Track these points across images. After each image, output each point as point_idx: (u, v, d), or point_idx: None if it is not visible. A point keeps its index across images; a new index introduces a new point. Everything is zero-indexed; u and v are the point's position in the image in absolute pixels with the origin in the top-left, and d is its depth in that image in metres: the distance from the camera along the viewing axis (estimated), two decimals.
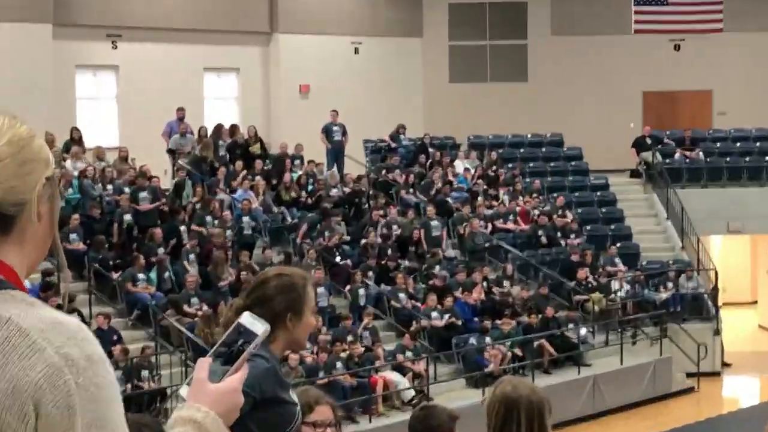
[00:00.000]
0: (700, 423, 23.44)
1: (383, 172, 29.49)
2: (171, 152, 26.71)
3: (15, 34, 25.73)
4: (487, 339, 23.42)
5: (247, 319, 2.56)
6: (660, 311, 26.88)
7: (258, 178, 26.37)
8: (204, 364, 2.41)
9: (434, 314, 23.57)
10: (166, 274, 22.38)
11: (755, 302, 35.32)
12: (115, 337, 20.20)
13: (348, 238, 25.66)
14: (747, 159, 31.43)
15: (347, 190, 27.77)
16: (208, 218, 24.15)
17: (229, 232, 24.22)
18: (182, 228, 23.66)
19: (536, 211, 28.75)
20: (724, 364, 27.85)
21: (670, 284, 27.72)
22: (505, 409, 4.89)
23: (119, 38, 27.73)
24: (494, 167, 30.51)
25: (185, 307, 21.40)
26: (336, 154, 29.07)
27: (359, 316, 23.24)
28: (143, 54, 28.19)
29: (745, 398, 26.89)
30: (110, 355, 19.05)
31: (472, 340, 23.41)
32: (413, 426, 6.01)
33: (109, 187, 24.38)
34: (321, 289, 22.92)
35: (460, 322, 23.64)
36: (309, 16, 30.84)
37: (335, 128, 29.08)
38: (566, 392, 22.87)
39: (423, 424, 6.01)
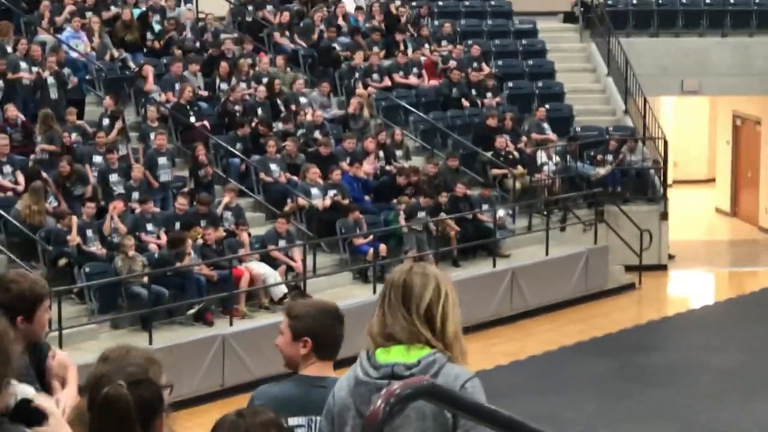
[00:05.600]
0: (640, 327, 24.05)
1: (251, 8, 29.29)
2: None
3: None
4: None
5: None
6: (596, 190, 27.14)
7: (90, 14, 25.96)
8: None
9: (315, 191, 23.51)
10: None
11: (712, 180, 36.04)
12: None
13: (205, 93, 25.56)
14: (707, 0, 31.80)
15: (205, 32, 27.56)
16: (23, 65, 23.52)
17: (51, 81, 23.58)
18: None
19: (446, 63, 28.87)
20: (672, 256, 28.45)
21: (609, 157, 27.94)
22: (388, 289, 5.08)
23: None
24: (395, 4, 30.44)
25: None
26: None
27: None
28: None
29: (695, 297, 27.32)
30: None
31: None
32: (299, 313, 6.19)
33: None
34: (163, 159, 22.97)
35: (347, 202, 23.57)
36: None
37: None
38: (479, 289, 23.22)
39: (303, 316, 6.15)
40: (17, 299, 5.94)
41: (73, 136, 22.51)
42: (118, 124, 23.20)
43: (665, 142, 29.09)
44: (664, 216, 28.03)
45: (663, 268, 27.84)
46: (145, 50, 26.20)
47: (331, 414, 5.33)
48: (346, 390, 5.25)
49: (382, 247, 22.95)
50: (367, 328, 5.18)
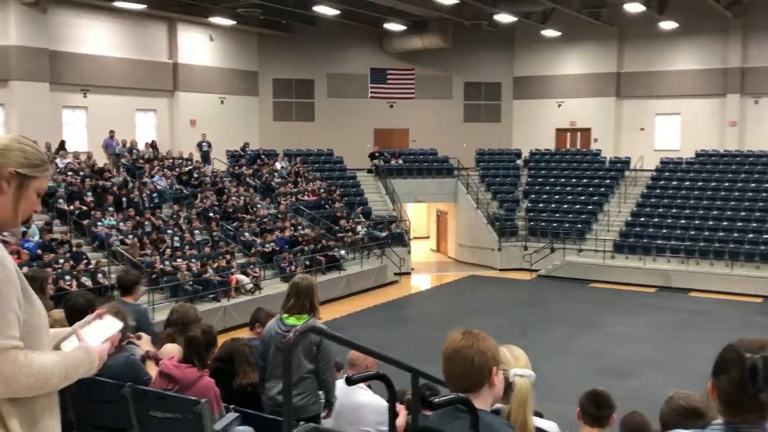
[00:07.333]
0: (400, 298, 24.15)
1: (237, 168, 29.08)
2: (116, 155, 25.79)
3: (28, 89, 24.71)
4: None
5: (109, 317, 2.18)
6: (382, 241, 27.26)
7: (167, 170, 25.89)
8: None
9: (268, 244, 23.44)
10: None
11: (428, 237, 35.94)
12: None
13: (217, 203, 25.20)
14: (425, 164, 32.06)
15: (217, 179, 27.36)
16: (136, 192, 23.17)
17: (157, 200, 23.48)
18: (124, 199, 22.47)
19: (319, 191, 28.98)
20: (413, 269, 28.51)
21: (386, 227, 28.16)
22: (291, 288, 4.96)
23: (88, 91, 26.65)
24: (297, 166, 30.38)
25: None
26: (205, 157, 28.59)
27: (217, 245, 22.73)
28: (102, 100, 27.01)
29: (423, 286, 27.33)
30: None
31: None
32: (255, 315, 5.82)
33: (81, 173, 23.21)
34: (197, 232, 22.64)
35: (278, 247, 23.55)
36: (195, 81, 30.15)
37: (204, 143, 28.69)
38: (331, 284, 23.16)
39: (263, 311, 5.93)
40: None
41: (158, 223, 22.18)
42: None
43: (409, 222, 29.70)
44: (409, 252, 28.27)
45: (409, 273, 27.88)
46: None
47: (264, 342, 4.95)
48: (271, 333, 4.87)
49: (296, 267, 22.88)
50: (281, 306, 4.92)
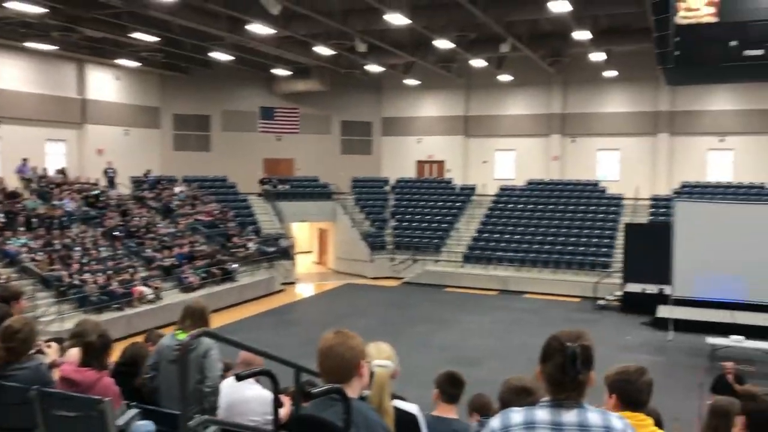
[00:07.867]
0: (286, 304, 23.82)
1: (140, 192, 28.05)
2: (27, 180, 24.22)
3: None
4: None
5: None
6: (270, 255, 26.91)
7: (75, 193, 24.51)
8: None
9: (168, 259, 22.76)
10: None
11: (311, 251, 35.70)
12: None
13: (121, 223, 24.20)
14: (308, 189, 31.90)
15: (121, 201, 26.25)
16: (46, 214, 22.13)
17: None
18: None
19: (216, 212, 28.40)
20: (297, 279, 28.26)
21: (274, 243, 27.81)
22: (185, 311, 4.69)
23: (1, 122, 24.79)
24: (195, 191, 29.66)
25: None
26: (111, 182, 27.41)
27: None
28: (15, 131, 25.19)
29: (306, 293, 27.07)
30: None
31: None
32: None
33: None
34: (103, 249, 21.68)
35: (177, 262, 22.92)
36: (102, 115, 28.73)
37: (110, 170, 27.37)
38: (225, 293, 22.74)
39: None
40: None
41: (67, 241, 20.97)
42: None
43: (294, 238, 29.44)
44: (294, 264, 28.06)
45: (294, 283, 27.59)
46: None
47: (157, 355, 4.75)
48: (163, 347, 4.70)
49: (194, 279, 22.33)
50: (178, 324, 4.69)
